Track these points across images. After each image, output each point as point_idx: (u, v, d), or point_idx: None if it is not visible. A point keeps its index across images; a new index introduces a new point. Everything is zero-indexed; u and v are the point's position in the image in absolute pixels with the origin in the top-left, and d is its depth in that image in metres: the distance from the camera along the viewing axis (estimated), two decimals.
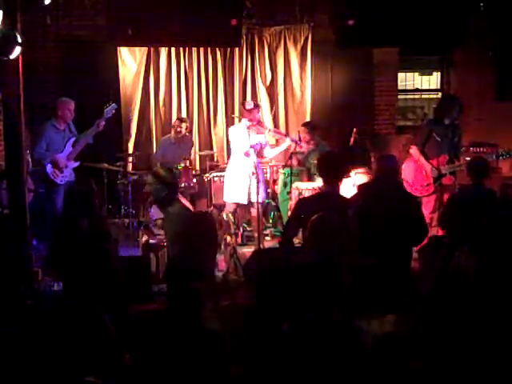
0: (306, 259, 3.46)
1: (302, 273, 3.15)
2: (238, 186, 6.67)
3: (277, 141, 7.77)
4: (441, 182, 6.34)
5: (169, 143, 7.45)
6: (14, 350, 2.81)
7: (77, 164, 6.46)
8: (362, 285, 3.23)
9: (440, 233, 5.90)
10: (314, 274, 3.11)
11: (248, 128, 6.58)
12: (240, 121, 6.79)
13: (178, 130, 7.38)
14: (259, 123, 6.76)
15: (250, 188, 6.53)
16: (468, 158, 6.33)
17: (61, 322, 2.38)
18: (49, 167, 6.24)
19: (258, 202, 6.01)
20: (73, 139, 6.41)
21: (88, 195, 4.65)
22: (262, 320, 3.16)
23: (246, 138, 6.52)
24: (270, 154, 7.09)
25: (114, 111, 6.61)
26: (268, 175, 7.66)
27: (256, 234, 6.50)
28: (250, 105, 6.71)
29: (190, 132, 8.13)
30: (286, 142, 7.12)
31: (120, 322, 2.75)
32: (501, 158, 6.69)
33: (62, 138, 6.37)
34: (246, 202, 6.67)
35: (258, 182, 5.99)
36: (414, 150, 6.44)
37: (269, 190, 7.60)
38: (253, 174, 6.24)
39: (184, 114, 8.11)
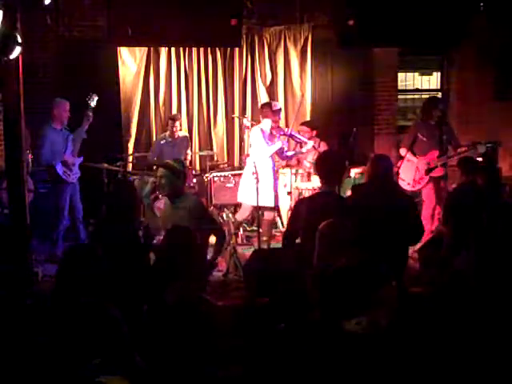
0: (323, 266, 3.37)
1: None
2: (261, 188, 6.11)
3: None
4: (432, 175, 6.57)
5: (164, 144, 7.45)
6: (24, 350, 2.81)
7: (81, 159, 6.58)
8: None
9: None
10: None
11: (271, 129, 6.47)
12: (257, 122, 6.59)
13: (174, 129, 7.42)
14: (279, 126, 6.60)
15: (275, 190, 6.41)
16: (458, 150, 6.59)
17: (74, 322, 2.38)
18: (59, 168, 6.35)
19: (257, 203, 5.96)
20: (71, 136, 6.51)
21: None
22: (260, 320, 3.16)
23: (266, 139, 6.41)
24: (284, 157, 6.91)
25: (95, 99, 6.61)
26: None
27: (265, 238, 6.50)
28: (276, 106, 6.53)
29: (190, 132, 8.14)
30: (308, 145, 6.87)
31: (133, 322, 2.75)
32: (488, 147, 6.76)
33: (62, 138, 6.46)
34: (272, 205, 6.48)
35: (257, 183, 5.92)
36: (403, 152, 6.70)
37: None
38: (253, 173, 6.14)
39: (184, 114, 8.12)
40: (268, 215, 6.61)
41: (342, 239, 3.39)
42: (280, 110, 6.58)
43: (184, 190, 4.82)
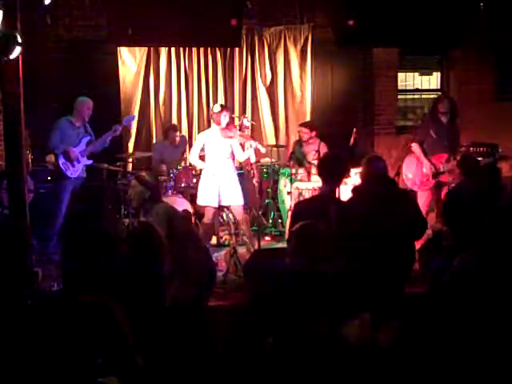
0: (291, 267, 3.40)
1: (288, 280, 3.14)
2: (209, 189, 6.48)
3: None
4: (439, 179, 6.48)
5: (165, 146, 7.51)
6: (25, 349, 2.81)
7: (90, 162, 6.64)
8: (349, 290, 3.20)
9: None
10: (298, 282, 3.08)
11: (222, 131, 6.41)
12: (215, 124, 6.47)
13: (177, 139, 7.48)
14: (228, 127, 6.45)
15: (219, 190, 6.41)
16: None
17: (76, 322, 2.38)
18: (61, 158, 6.40)
19: (259, 204, 5.96)
20: (88, 138, 6.60)
21: (98, 194, 4.66)
22: (255, 325, 3.16)
23: (217, 142, 6.41)
24: (241, 157, 6.71)
25: (132, 121, 7.03)
26: (267, 176, 7.65)
27: (246, 239, 6.53)
28: (217, 108, 6.48)
29: (190, 132, 8.15)
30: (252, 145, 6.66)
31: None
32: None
33: (76, 134, 6.54)
34: (242, 203, 6.53)
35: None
36: (415, 148, 6.61)
37: (269, 190, 7.60)
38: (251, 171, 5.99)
39: (184, 114, 8.13)
40: (239, 214, 6.58)
41: (315, 240, 3.42)
42: (220, 112, 6.34)
43: (156, 203, 4.65)
